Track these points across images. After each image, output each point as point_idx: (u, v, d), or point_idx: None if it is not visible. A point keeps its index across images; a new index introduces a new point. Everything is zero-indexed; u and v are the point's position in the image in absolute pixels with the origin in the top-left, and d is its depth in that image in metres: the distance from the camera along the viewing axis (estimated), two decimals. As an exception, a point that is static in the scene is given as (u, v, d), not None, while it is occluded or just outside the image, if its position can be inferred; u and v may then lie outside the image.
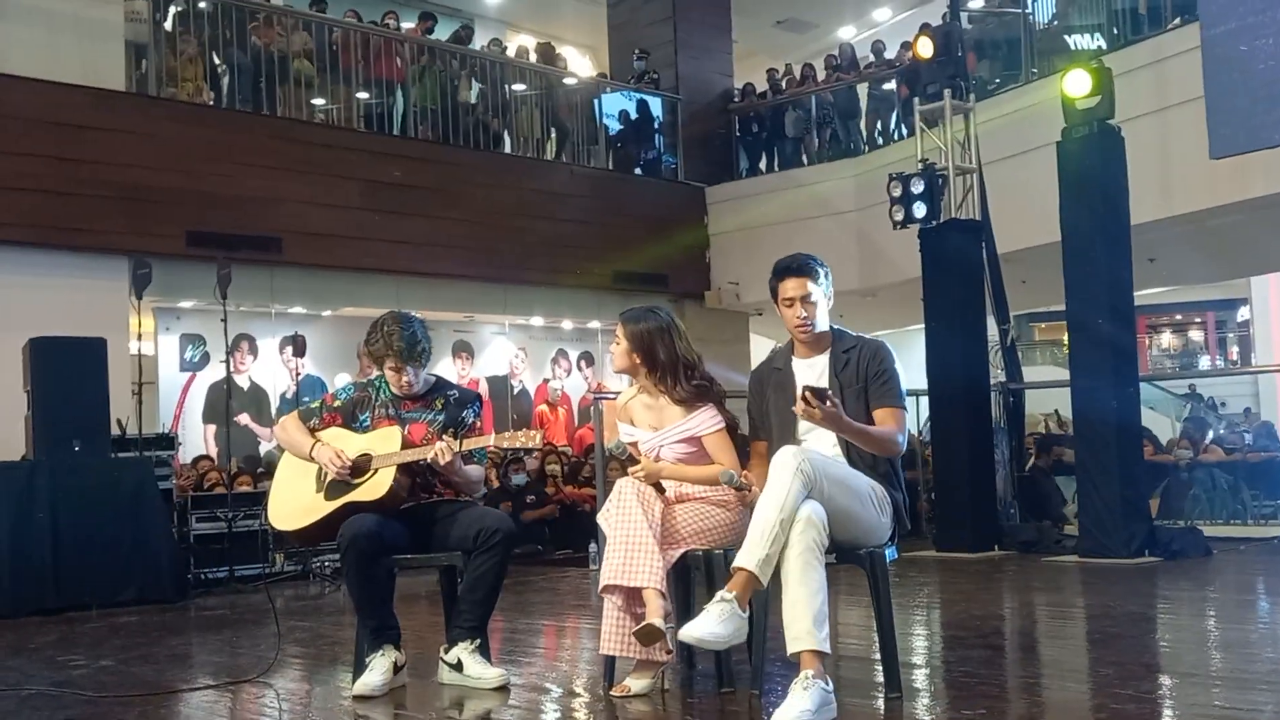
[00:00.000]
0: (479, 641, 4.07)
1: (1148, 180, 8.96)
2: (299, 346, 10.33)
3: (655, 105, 14.18)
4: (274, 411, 11.39)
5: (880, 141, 13.47)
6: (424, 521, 4.18)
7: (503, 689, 4.00)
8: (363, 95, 11.80)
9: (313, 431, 4.28)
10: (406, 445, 4.13)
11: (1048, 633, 5.57)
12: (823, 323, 3.84)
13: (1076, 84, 8.13)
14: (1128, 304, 8.12)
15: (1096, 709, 3.56)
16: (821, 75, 14.36)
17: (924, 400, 9.60)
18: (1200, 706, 3.52)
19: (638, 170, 13.94)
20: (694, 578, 4.06)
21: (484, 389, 12.81)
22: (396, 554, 4.12)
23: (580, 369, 14.15)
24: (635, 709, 3.69)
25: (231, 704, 4.23)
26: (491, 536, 3.99)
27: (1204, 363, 24.60)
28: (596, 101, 13.84)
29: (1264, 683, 3.89)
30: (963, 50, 9.85)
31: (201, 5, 10.77)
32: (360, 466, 4.13)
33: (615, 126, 13.98)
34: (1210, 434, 12.30)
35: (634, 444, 4.11)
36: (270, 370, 11.75)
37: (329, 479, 4.17)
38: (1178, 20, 9.80)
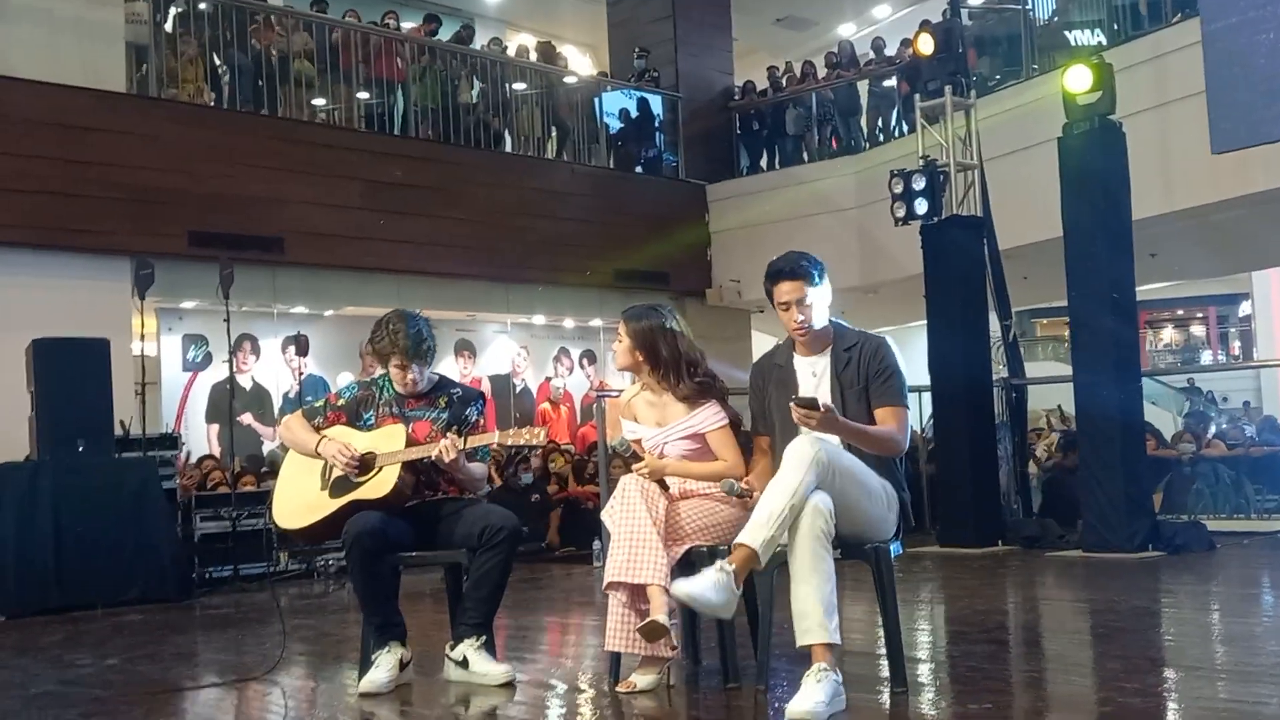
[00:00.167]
0: (484, 638, 4.07)
1: (1149, 175, 8.95)
2: (301, 346, 10.34)
3: (656, 103, 14.17)
4: (277, 411, 11.40)
5: (881, 138, 13.48)
6: (428, 519, 4.19)
7: (508, 685, 4.01)
8: (363, 95, 11.80)
9: (317, 430, 4.29)
10: (411, 443, 4.14)
11: (1052, 627, 5.58)
12: (820, 321, 3.82)
13: (1077, 80, 8.12)
14: (1129, 299, 8.12)
15: (1102, 703, 3.57)
16: (822, 72, 14.35)
17: (926, 396, 9.62)
18: (1205, 700, 3.53)
19: (638, 168, 13.92)
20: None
21: (486, 388, 12.80)
22: (401, 551, 4.13)
23: (582, 367, 14.15)
24: (641, 705, 3.69)
25: (237, 702, 4.25)
26: (496, 534, 4.00)
27: (1205, 358, 24.61)
28: (597, 100, 13.84)
29: (1268, 676, 3.90)
30: (963, 46, 9.86)
31: (202, 6, 10.76)
32: (365, 464, 4.14)
33: (616, 125, 13.98)
34: (1212, 428, 12.31)
35: (638, 441, 4.12)
36: (273, 370, 11.75)
37: (333, 477, 4.18)
38: (1178, 15, 9.79)
